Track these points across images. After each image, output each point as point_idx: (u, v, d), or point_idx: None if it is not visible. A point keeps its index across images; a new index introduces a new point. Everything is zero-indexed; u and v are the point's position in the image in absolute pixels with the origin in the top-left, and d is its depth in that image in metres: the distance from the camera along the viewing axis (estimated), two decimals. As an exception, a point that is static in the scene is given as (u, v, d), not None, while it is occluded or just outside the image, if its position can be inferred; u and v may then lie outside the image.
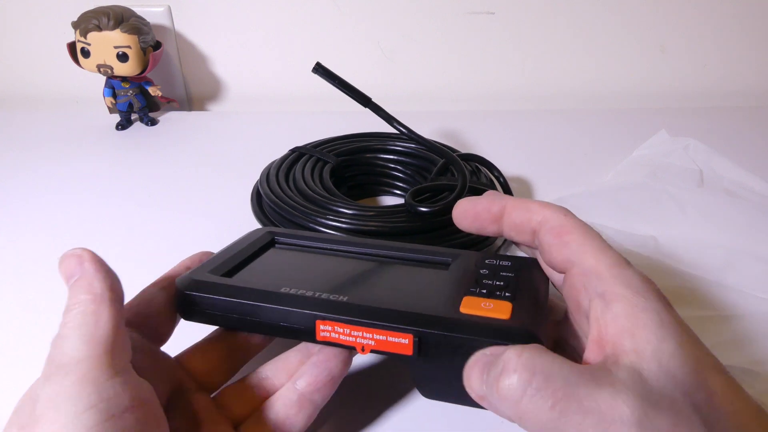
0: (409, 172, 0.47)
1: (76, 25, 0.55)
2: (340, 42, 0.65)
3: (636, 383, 0.17)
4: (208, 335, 0.28)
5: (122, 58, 0.55)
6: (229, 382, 0.27)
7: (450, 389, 0.24)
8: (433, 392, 0.25)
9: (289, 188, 0.41)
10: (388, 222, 0.37)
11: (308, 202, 0.39)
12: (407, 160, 0.47)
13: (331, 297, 0.25)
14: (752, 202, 0.45)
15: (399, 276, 0.29)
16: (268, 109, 0.67)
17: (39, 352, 0.34)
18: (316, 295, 0.25)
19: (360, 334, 0.24)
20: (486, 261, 0.27)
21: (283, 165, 0.44)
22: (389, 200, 0.48)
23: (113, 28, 0.53)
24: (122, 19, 0.54)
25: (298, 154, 0.46)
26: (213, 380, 0.27)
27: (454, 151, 0.45)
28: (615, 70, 0.67)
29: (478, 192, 0.40)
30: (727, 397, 0.18)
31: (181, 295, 0.26)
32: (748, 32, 0.65)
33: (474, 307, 0.24)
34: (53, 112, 0.64)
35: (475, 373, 0.21)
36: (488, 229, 0.26)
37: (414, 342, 0.23)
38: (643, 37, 0.65)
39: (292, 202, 0.39)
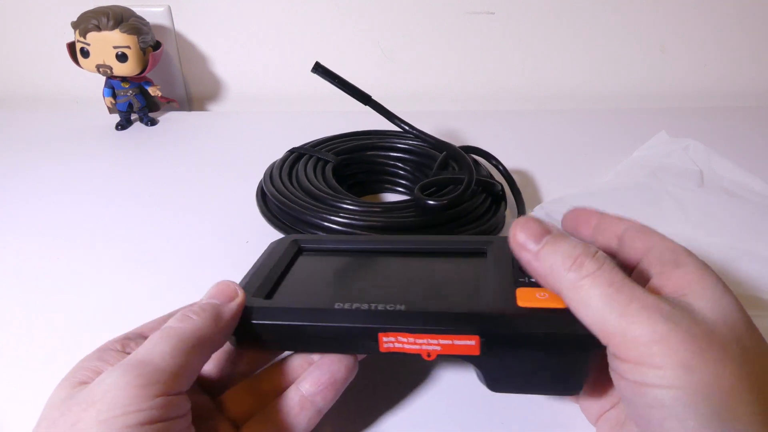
0: (409, 168, 0.47)
1: (75, 25, 0.54)
2: (340, 42, 0.65)
3: (684, 307, 0.21)
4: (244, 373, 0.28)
5: (122, 58, 0.55)
6: None
7: (515, 380, 0.25)
8: (498, 385, 0.25)
9: (294, 187, 0.41)
10: (397, 217, 0.37)
11: (315, 200, 0.39)
12: (407, 156, 0.47)
13: (388, 307, 0.24)
14: (752, 202, 0.45)
15: (442, 271, 0.29)
16: (268, 109, 0.67)
17: (38, 351, 0.34)
18: (373, 307, 0.25)
19: (425, 341, 0.24)
20: None
21: (285, 165, 0.44)
22: (391, 197, 0.48)
23: (113, 28, 0.53)
24: (122, 19, 0.54)
25: (297, 154, 0.46)
26: (216, 384, 0.27)
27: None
28: (615, 70, 0.67)
29: (485, 184, 0.40)
30: None
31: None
32: (748, 32, 0.65)
33: (530, 299, 0.24)
34: (53, 112, 0.64)
35: (530, 231, 0.24)
36: (581, 232, 0.28)
37: (481, 342, 0.23)
38: (643, 37, 0.65)
39: (301, 201, 0.39)
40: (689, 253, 0.24)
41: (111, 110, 0.60)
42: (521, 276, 0.26)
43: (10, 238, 0.43)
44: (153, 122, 0.61)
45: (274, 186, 0.41)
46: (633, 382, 0.21)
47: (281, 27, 0.64)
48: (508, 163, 0.46)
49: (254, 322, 0.25)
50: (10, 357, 0.33)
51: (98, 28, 0.54)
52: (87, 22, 0.53)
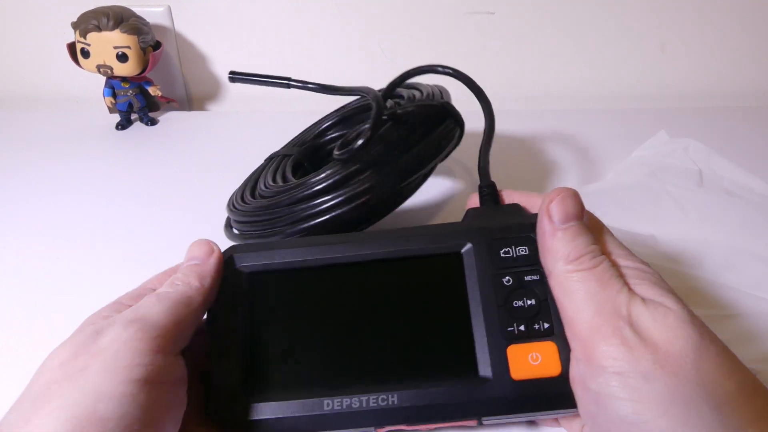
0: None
1: (75, 25, 0.54)
2: (340, 42, 0.65)
3: (654, 316, 0.22)
4: None
5: (122, 58, 0.55)
6: None
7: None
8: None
9: (255, 199, 0.39)
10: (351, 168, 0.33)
11: (273, 208, 0.36)
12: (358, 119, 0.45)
13: (381, 401, 0.23)
14: (752, 202, 0.45)
15: (419, 308, 0.26)
16: (268, 109, 0.67)
17: (38, 351, 0.34)
18: (365, 405, 0.23)
19: (424, 428, 0.24)
20: (502, 253, 0.26)
21: (248, 183, 0.42)
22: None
23: (113, 28, 0.53)
24: (122, 19, 0.54)
25: (269, 158, 0.45)
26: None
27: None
28: (615, 70, 0.67)
29: (402, 117, 0.36)
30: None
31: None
32: (748, 32, 0.65)
33: (524, 365, 0.23)
34: (53, 112, 0.64)
35: (564, 209, 0.25)
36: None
37: (479, 422, 0.24)
38: (643, 37, 0.65)
39: (256, 212, 0.36)
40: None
41: (111, 110, 0.60)
42: (511, 318, 0.24)
43: (10, 238, 0.43)
44: (153, 122, 0.61)
45: (234, 205, 0.39)
46: (596, 393, 0.21)
47: (281, 27, 0.64)
48: (508, 164, 0.46)
49: None
50: (10, 357, 0.33)
51: (98, 29, 0.54)
52: (87, 23, 0.53)
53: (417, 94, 0.42)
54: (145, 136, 0.59)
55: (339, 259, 0.27)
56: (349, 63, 0.66)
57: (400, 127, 0.35)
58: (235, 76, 0.42)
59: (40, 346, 0.34)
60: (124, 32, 0.54)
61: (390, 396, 0.23)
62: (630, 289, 0.23)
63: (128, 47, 0.54)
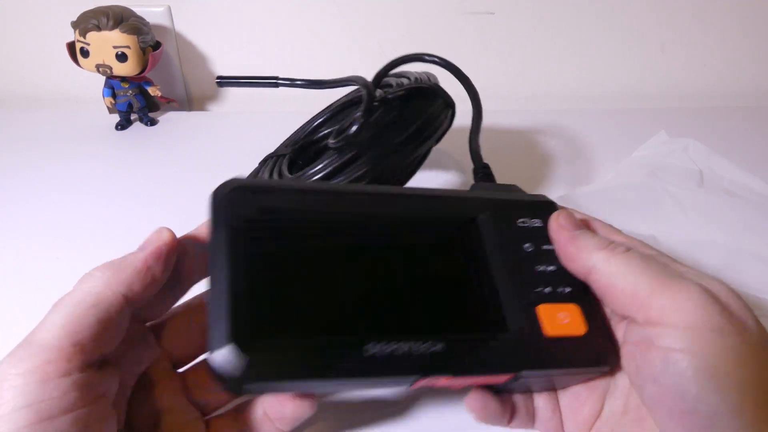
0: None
1: (75, 25, 0.54)
2: (340, 42, 0.65)
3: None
4: (186, 302, 0.27)
5: (121, 58, 0.55)
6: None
7: (519, 389, 0.26)
8: (505, 390, 0.26)
9: None
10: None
11: None
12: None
13: (427, 347, 0.22)
14: (752, 202, 0.45)
15: (447, 264, 0.25)
16: (269, 109, 0.67)
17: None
18: (413, 350, 0.21)
19: (459, 381, 0.23)
20: (519, 222, 0.27)
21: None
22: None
23: (112, 28, 0.53)
24: (121, 19, 0.54)
25: (263, 161, 0.45)
26: (189, 355, 0.26)
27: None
28: (614, 70, 0.67)
29: (392, 102, 0.37)
30: None
31: (235, 382, 0.20)
32: (748, 32, 0.65)
33: (554, 324, 0.24)
34: (53, 112, 0.64)
35: (572, 220, 0.26)
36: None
37: (510, 377, 0.24)
38: (643, 37, 0.65)
39: None
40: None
41: (111, 110, 0.60)
42: (538, 282, 0.25)
43: (10, 238, 0.43)
44: (153, 122, 0.61)
45: None
46: (667, 349, 0.20)
47: (281, 27, 0.64)
48: (508, 164, 0.46)
49: (267, 382, 0.20)
50: (10, 357, 0.33)
51: (98, 28, 0.53)
52: (87, 22, 0.53)
53: (405, 81, 0.42)
54: (145, 136, 0.59)
55: (362, 211, 0.25)
56: (349, 63, 0.66)
57: (391, 111, 0.36)
58: (223, 80, 0.42)
59: (40, 346, 0.34)
60: (124, 32, 0.54)
61: (436, 344, 0.22)
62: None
63: (128, 47, 0.54)
